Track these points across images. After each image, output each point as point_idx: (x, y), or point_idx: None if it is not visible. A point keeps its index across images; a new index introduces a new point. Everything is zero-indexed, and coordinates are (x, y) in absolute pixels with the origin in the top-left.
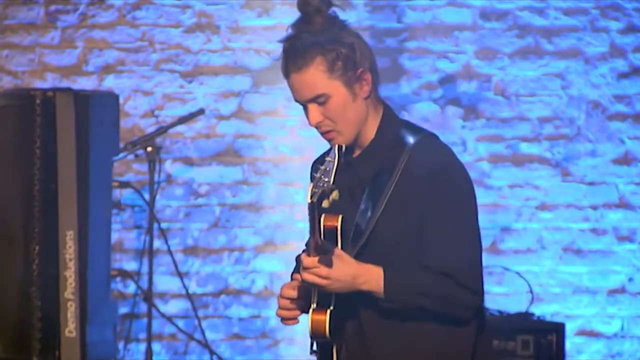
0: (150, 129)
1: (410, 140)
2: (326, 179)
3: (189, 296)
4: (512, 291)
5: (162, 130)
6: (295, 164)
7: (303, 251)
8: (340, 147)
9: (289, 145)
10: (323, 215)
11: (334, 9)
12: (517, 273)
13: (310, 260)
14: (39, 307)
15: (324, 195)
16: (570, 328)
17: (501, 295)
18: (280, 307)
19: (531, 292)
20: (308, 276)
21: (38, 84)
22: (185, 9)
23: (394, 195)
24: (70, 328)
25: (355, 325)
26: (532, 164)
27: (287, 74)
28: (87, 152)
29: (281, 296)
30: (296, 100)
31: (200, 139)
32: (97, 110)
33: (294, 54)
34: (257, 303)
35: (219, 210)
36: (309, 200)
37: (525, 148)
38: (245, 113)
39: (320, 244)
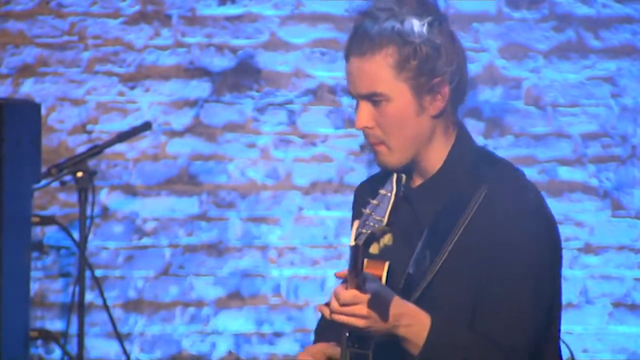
0: (81, 149)
1: (489, 174)
2: (378, 217)
3: None
4: None
5: (97, 149)
6: (268, 193)
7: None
8: (399, 178)
9: (260, 169)
10: (365, 261)
11: None
12: None
13: (349, 295)
14: None
15: (373, 237)
16: None
17: None
18: None
19: (573, 358)
20: (344, 313)
21: None
22: None
23: (461, 243)
24: None
25: None
26: (574, 194)
27: (347, 56)
28: None
29: None
30: (349, 93)
31: (145, 162)
32: (11, 125)
33: (364, 33)
34: None
35: (169, 254)
36: (353, 243)
37: (564, 173)
38: (203, 128)
39: (364, 287)
